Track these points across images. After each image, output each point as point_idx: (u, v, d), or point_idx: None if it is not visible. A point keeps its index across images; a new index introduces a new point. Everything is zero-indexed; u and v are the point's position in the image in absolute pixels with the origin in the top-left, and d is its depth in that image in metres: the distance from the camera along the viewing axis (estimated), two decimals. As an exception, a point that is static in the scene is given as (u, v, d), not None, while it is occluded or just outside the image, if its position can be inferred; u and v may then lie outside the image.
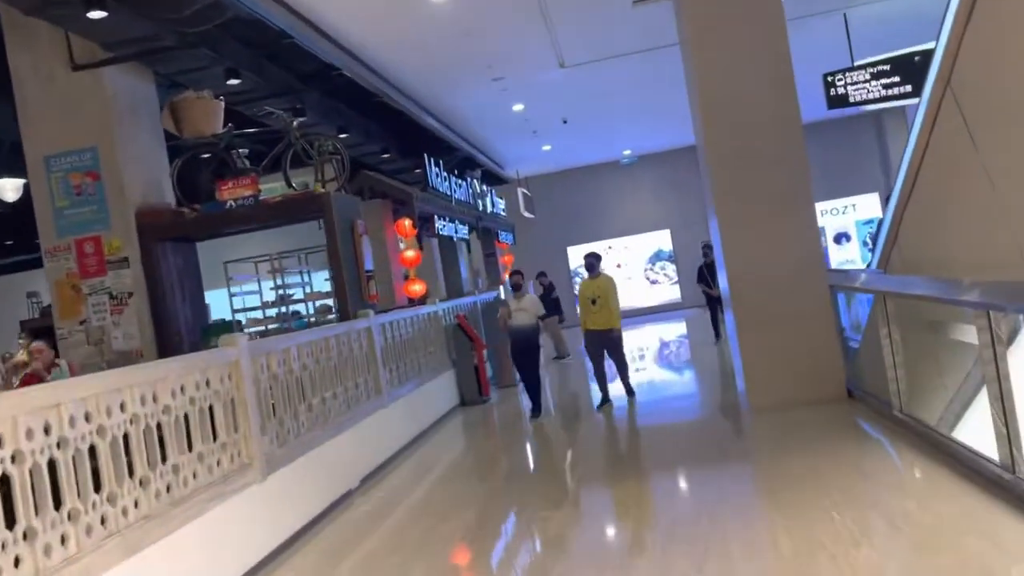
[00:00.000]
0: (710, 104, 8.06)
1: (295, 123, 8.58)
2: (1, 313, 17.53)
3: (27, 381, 6.39)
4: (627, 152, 23.25)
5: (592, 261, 9.60)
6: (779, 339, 7.81)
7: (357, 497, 6.93)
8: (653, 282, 24.66)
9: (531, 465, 7.81)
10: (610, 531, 5.32)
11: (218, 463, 5.10)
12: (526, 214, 21.77)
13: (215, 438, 5.15)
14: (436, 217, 12.57)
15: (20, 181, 9.80)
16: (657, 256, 24.58)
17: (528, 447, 8.47)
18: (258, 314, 8.82)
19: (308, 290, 8.94)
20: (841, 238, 23.71)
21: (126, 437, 4.29)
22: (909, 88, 11.07)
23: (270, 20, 7.94)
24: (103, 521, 3.98)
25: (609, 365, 9.59)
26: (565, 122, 16.37)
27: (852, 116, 21.47)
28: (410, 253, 11.64)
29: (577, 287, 23.76)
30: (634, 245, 24.40)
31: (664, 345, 16.96)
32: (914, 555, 4.13)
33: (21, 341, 7.92)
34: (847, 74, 11.49)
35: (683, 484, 6.12)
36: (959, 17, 5.49)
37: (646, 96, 14.97)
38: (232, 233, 8.90)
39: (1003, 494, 4.40)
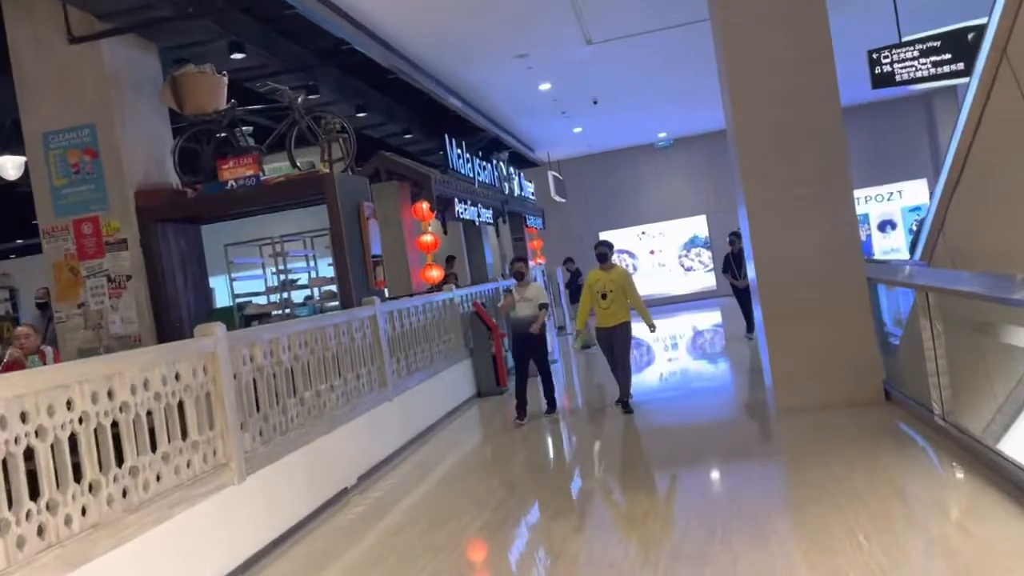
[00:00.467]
0: (739, 80, 7.48)
1: (300, 100, 8.16)
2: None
3: (8, 368, 6.09)
4: (662, 135, 22.56)
5: (604, 250, 8.61)
6: (810, 335, 7.24)
7: (354, 496, 6.54)
8: (688, 269, 23.97)
9: (539, 464, 7.33)
10: (613, 552, 4.84)
11: (188, 464, 4.71)
12: (557, 198, 21.23)
13: (185, 436, 4.77)
14: (456, 200, 12.10)
15: (21, 159, 9.55)
16: (692, 243, 23.86)
17: (538, 444, 7.99)
18: (262, 300, 8.45)
19: (314, 275, 8.55)
20: (886, 226, 22.78)
21: (74, 438, 3.93)
22: (961, 66, 10.30)
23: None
24: (40, 532, 3.61)
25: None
26: (595, 103, 15.79)
27: (900, 97, 20.57)
28: (427, 238, 11.20)
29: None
30: (669, 231, 23.72)
31: (694, 336, 16.36)
32: (952, 593, 3.60)
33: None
34: (894, 51, 10.73)
35: (697, 495, 5.61)
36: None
37: (681, 76, 14.32)
38: (235, 215, 8.53)
39: (1059, 524, 3.84)
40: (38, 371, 3.96)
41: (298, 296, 8.65)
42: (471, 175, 13.33)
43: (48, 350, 6.38)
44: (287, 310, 8.33)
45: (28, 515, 3.55)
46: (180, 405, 4.77)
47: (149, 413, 4.47)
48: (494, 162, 15.24)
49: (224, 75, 8.35)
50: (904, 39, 10.83)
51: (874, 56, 10.79)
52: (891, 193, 22.38)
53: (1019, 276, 4.34)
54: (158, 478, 4.44)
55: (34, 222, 8.27)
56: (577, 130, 18.81)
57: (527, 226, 19.31)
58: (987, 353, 5.66)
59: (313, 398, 6.41)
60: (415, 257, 11.24)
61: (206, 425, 4.97)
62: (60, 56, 7.98)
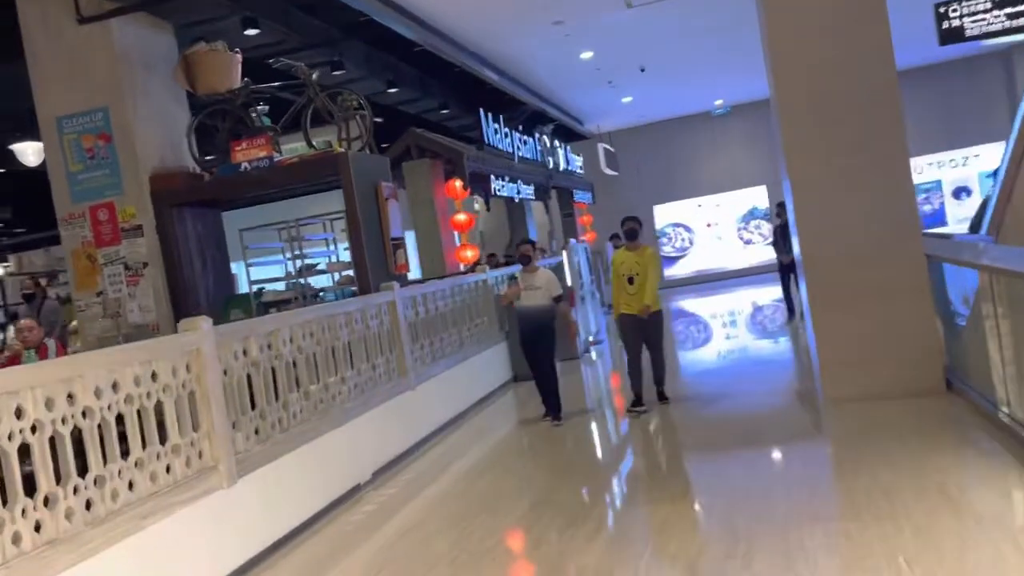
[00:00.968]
0: (782, 42, 6.82)
1: (315, 76, 7.78)
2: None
3: (10, 362, 5.93)
4: (719, 102, 21.61)
5: (633, 226, 7.60)
6: (862, 318, 6.61)
7: (367, 492, 6.22)
8: (747, 242, 23.04)
9: (565, 462, 6.86)
10: (623, 570, 4.37)
11: (167, 469, 4.42)
12: (607, 171, 20.58)
13: (164, 440, 4.47)
14: (493, 177, 11.64)
15: (41, 145, 9.42)
16: (751, 214, 22.90)
17: (567, 437, 7.55)
18: (281, 286, 8.17)
19: (333, 259, 8.22)
20: (961, 192, 21.49)
21: (26, 448, 3.65)
22: (1039, 17, 9.35)
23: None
24: (-18, 552, 3.34)
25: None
26: (643, 70, 15.08)
27: (975, 55, 19.25)
28: (461, 217, 10.79)
29: (665, 248, 22.85)
30: (726, 203, 22.80)
31: (747, 314, 15.63)
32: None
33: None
34: (963, 3, 9.81)
35: (723, 501, 5.09)
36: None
37: (732, 40, 13.47)
38: (251, 199, 8.25)
39: None
40: (-15, 376, 3.67)
41: (317, 281, 8.33)
42: (510, 150, 12.84)
43: (51, 343, 6.20)
44: (317, 295, 8.02)
45: (-34, 535, 3.28)
46: (159, 407, 4.48)
47: (121, 417, 4.19)
48: (536, 136, 14.70)
49: (237, 53, 8.03)
50: (974, -11, 9.89)
51: (941, 10, 9.87)
52: (966, 158, 21.07)
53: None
54: (131, 486, 4.16)
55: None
56: (626, 100, 18.09)
57: (575, 201, 18.75)
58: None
59: (320, 391, 6.09)
60: (448, 237, 10.84)
61: (189, 427, 4.67)
62: (70, 37, 7.75)
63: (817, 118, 6.70)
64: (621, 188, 22.16)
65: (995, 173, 7.28)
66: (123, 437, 4.21)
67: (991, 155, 20.69)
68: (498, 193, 11.94)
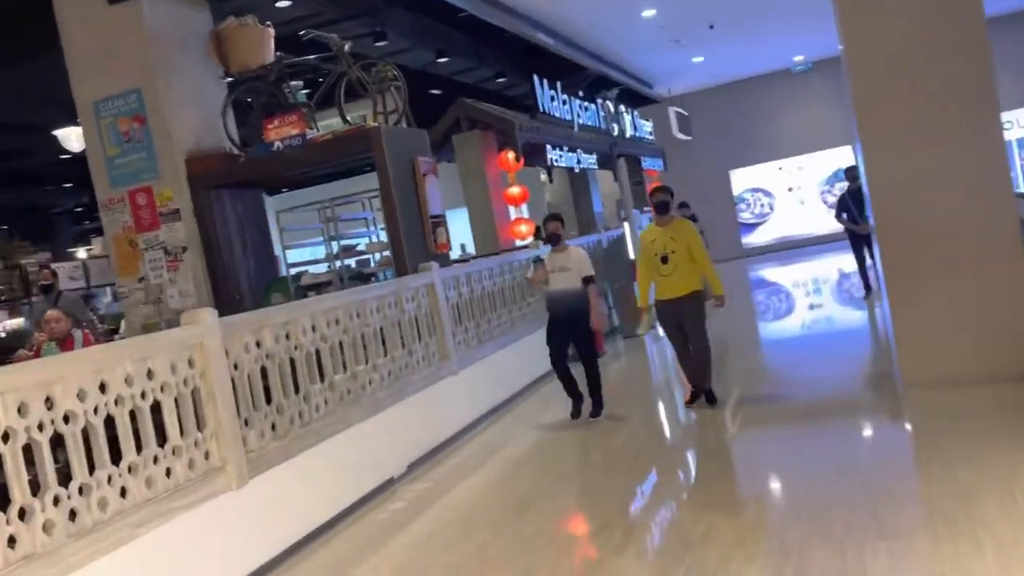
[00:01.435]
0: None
1: (347, 47, 7.40)
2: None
3: (36, 355, 5.81)
4: (799, 58, 20.38)
5: (664, 197, 6.63)
6: (945, 292, 5.89)
7: (400, 487, 5.90)
8: (831, 206, 21.79)
9: (610, 458, 6.35)
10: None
11: (167, 473, 4.16)
12: (680, 135, 19.74)
13: (164, 442, 4.21)
14: (550, 146, 11.10)
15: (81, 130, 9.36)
16: (836, 176, 21.58)
17: (622, 427, 7.05)
18: (322, 268, 7.89)
19: (374, 239, 7.88)
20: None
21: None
22: None
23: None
24: (-55, 572, 3.12)
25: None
26: (712, 27, 14.20)
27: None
28: (515, 190, 10.33)
29: (743, 214, 21.70)
30: (808, 165, 21.60)
31: (826, 284, 14.72)
32: None
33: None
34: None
35: (777, 505, 4.54)
36: None
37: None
38: (287, 179, 7.98)
39: None
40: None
41: (360, 263, 8.00)
42: (569, 118, 12.25)
43: (78, 334, 6.08)
44: (367, 277, 7.70)
45: (-77, 556, 3.06)
46: (157, 406, 4.21)
47: (111, 420, 3.93)
48: (599, 102, 14.05)
49: (269, 26, 7.72)
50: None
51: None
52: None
53: None
54: (123, 493, 3.90)
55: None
56: (697, 60, 17.18)
57: (645, 169, 17.99)
58: None
59: (347, 381, 5.77)
60: (502, 212, 10.40)
61: (193, 426, 4.40)
62: (101, 19, 7.56)
63: (893, 68, 5.95)
64: (695, 153, 21.24)
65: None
66: (115, 441, 3.96)
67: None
68: (556, 164, 11.40)
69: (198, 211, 7.65)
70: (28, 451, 3.54)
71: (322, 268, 7.88)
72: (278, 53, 7.69)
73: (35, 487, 3.54)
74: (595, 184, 15.19)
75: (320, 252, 7.89)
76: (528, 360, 8.72)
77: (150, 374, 4.16)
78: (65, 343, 5.89)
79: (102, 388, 3.88)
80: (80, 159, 8.73)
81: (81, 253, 18.28)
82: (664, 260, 6.51)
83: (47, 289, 6.73)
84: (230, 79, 7.75)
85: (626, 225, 11.26)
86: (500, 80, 13.09)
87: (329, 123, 7.96)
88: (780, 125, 21.49)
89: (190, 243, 7.67)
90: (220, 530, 4.39)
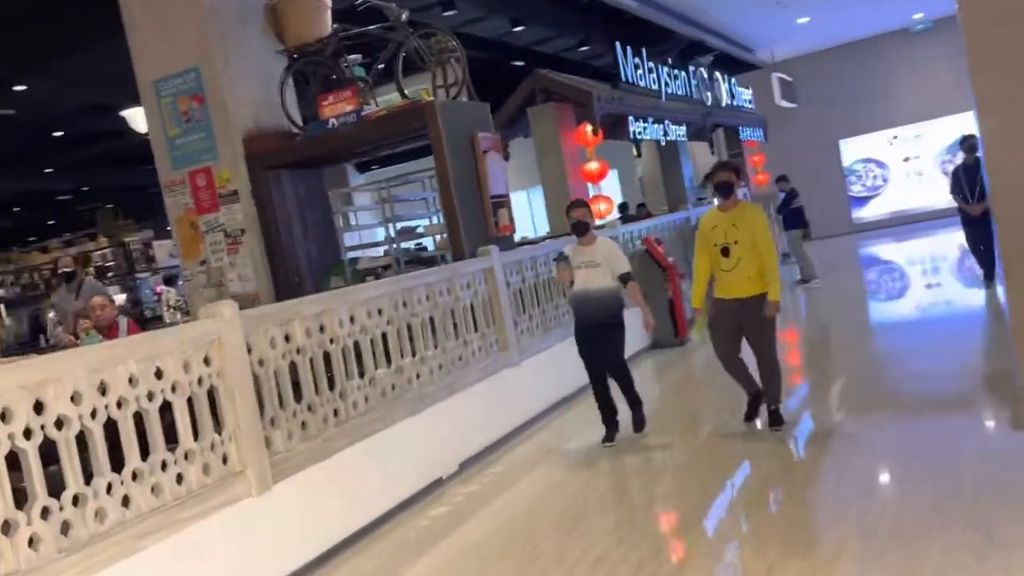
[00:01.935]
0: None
1: (405, 16, 6.97)
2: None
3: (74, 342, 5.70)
4: (918, 16, 18.74)
5: (726, 178, 5.50)
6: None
7: (449, 488, 5.53)
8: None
9: (683, 462, 5.77)
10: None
11: (178, 479, 3.88)
12: (783, 103, 18.58)
13: (174, 447, 3.93)
14: (632, 118, 10.42)
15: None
16: (957, 146, 19.93)
17: (706, 429, 6.46)
18: (380, 251, 7.55)
19: (435, 221, 7.48)
20: None
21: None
22: None
23: None
24: (-88, 594, 2.90)
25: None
26: (817, -15, 13.13)
27: None
28: (593, 165, 9.73)
29: (854, 187, 20.09)
30: (928, 133, 19.97)
31: (942, 265, 13.47)
32: None
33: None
34: None
35: (854, 546, 3.89)
36: None
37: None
38: (345, 158, 7.66)
39: None
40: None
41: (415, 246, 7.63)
42: (656, 87, 11.51)
43: (123, 321, 5.93)
44: (427, 261, 7.33)
45: None
46: (167, 408, 3.94)
47: (113, 423, 3.67)
48: (692, 69, 13.20)
49: (326, -3, 7.37)
50: None
51: None
52: None
53: None
54: (125, 502, 3.64)
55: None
56: (802, 20, 16.01)
57: (743, 139, 16.99)
58: None
59: (391, 376, 5.41)
60: (580, 189, 9.83)
61: (210, 428, 4.11)
62: (160, -4, 7.41)
63: (1017, 22, 5.06)
64: (800, 122, 19.98)
65: None
66: (120, 446, 3.70)
67: None
68: (639, 136, 10.72)
69: (256, 192, 7.43)
70: (16, 459, 3.30)
71: (380, 251, 7.54)
72: (335, 25, 7.34)
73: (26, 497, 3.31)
74: (686, 157, 14.36)
75: (380, 235, 7.54)
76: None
77: (159, 374, 3.88)
78: (110, 330, 5.75)
79: (102, 390, 3.62)
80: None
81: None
82: (725, 252, 5.45)
83: (69, 277, 6.56)
84: (287, 54, 7.44)
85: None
86: (583, 49, 12.42)
87: (389, 98, 7.58)
88: (896, 90, 19.91)
89: (248, 225, 7.47)
90: (236, 540, 4.10)
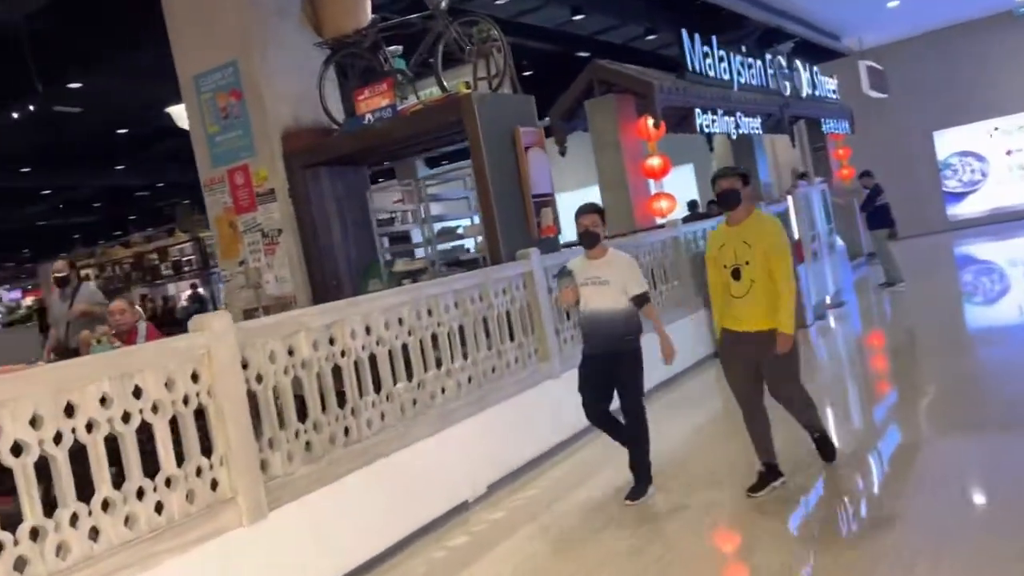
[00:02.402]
0: None
1: (444, 4, 6.55)
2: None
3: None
4: (1023, -3, 17.35)
5: (731, 186, 4.50)
6: None
7: (473, 513, 5.10)
8: (1064, 173, 18.62)
9: (730, 493, 5.19)
10: None
11: (157, 509, 3.56)
12: (872, 93, 17.42)
13: (155, 472, 3.61)
14: (699, 110, 9.76)
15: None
16: (1067, 138, 18.41)
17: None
18: (421, 252, 7.19)
19: (476, 220, 7.06)
20: None
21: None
22: None
23: None
24: None
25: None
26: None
27: None
28: (654, 161, 9.14)
29: (949, 182, 18.68)
30: (1035, 123, 18.48)
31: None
32: None
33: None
34: None
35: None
36: None
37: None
38: (383, 155, 7.32)
39: None
40: None
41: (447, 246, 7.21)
42: (728, 77, 10.80)
43: (142, 326, 5.71)
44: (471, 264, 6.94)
45: None
46: (147, 430, 3.62)
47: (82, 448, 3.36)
48: (768, 58, 12.40)
49: (365, -15, 7.03)
50: None
51: None
52: None
53: None
54: (94, 535, 3.33)
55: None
56: (892, 4, 14.94)
57: (828, 132, 15.99)
58: None
59: (411, 391, 5.01)
60: (640, 186, 9.25)
61: (196, 451, 3.78)
62: (199, -12, 7.20)
63: None
64: (890, 113, 18.74)
65: None
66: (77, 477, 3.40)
67: None
68: (706, 129, 10.04)
69: (293, 191, 7.18)
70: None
71: (420, 253, 7.17)
72: (374, 15, 6.99)
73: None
74: (761, 151, 13.54)
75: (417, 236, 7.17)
76: (656, 357, 7.62)
77: (137, 392, 3.57)
78: (129, 336, 5.53)
79: (69, 411, 3.32)
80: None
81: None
82: (735, 275, 4.47)
83: (63, 282, 6.32)
84: (325, 46, 7.14)
85: (789, 199, 9.75)
86: (650, 38, 11.79)
87: (431, 92, 7.19)
88: (997, 78, 18.46)
89: (285, 225, 7.22)
90: (220, 574, 3.75)
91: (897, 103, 18.62)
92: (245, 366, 4.05)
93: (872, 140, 18.08)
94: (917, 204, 17.58)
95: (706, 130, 10.00)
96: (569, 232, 5.87)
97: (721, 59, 10.64)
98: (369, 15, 7.00)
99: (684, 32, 9.75)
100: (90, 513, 3.33)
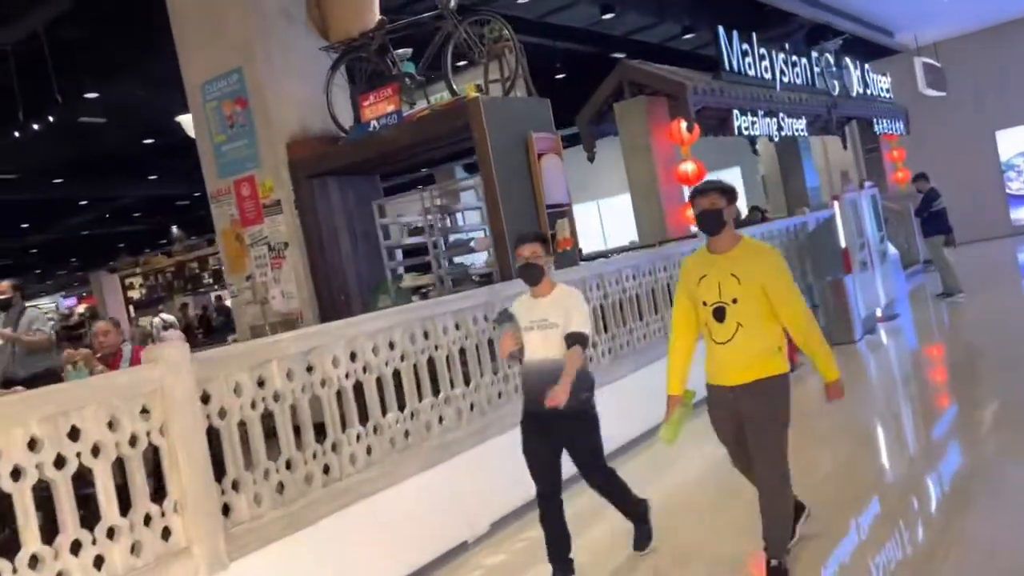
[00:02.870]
0: None
1: (453, 3, 6.14)
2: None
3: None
4: (1094, -12, 16.28)
5: (710, 205, 3.60)
6: None
7: (472, 555, 4.65)
8: None
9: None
10: None
11: (96, 563, 3.19)
12: (929, 92, 16.53)
13: (94, 522, 3.24)
14: (737, 112, 9.18)
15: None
16: None
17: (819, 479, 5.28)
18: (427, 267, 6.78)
19: (487, 233, 6.62)
20: None
21: None
22: None
23: None
24: None
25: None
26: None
27: None
28: (688, 167, 8.59)
29: (1012, 184, 17.61)
30: (1106, 122, 17.37)
31: None
32: None
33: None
34: None
35: None
36: None
37: None
38: (389, 164, 6.94)
39: None
40: None
41: (466, 259, 6.79)
42: (769, 76, 10.19)
43: (127, 349, 5.39)
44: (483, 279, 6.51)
45: None
46: (85, 475, 3.26)
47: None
48: (814, 55, 11.73)
49: (372, -14, 6.67)
50: None
51: None
52: None
53: None
54: (14, 597, 2.98)
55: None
56: (949, -2, 14.11)
57: (881, 133, 15.20)
58: None
59: (405, 421, 4.59)
60: (673, 193, 8.71)
61: (144, 497, 3.41)
62: (204, -7, 6.92)
63: None
64: (949, 112, 17.77)
65: None
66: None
67: None
68: (745, 132, 9.45)
69: (299, 202, 6.85)
70: None
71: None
72: (381, 17, 6.61)
73: None
74: (808, 153, 12.85)
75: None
76: (616, 410, 7.07)
77: (74, 434, 3.21)
78: (113, 360, 5.21)
79: (-9, 456, 2.97)
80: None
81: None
82: (718, 314, 3.55)
83: (5, 305, 6.01)
84: (332, 50, 6.79)
85: (836, 205, 9.09)
86: (687, 37, 11.22)
87: (443, 96, 6.78)
88: (1065, 72, 17.39)
89: (291, 238, 6.89)
90: (169, 638, 3.37)
91: (956, 101, 17.66)
92: (207, 400, 3.68)
93: (929, 141, 17.19)
94: (978, 208, 16.63)
95: (745, 132, 9.41)
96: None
97: (762, 57, 10.04)
98: (376, 16, 6.63)
99: (721, 29, 9.18)
100: (15, 571, 2.98)
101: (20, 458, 3.04)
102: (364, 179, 7.22)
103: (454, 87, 6.25)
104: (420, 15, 6.41)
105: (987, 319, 9.82)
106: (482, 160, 5.72)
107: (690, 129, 8.36)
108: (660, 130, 8.70)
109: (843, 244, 9.09)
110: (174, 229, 20.21)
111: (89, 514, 3.29)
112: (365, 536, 4.21)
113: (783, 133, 10.37)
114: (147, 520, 3.39)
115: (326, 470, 4.14)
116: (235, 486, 3.74)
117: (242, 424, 3.82)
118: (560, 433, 3.97)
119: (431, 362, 4.84)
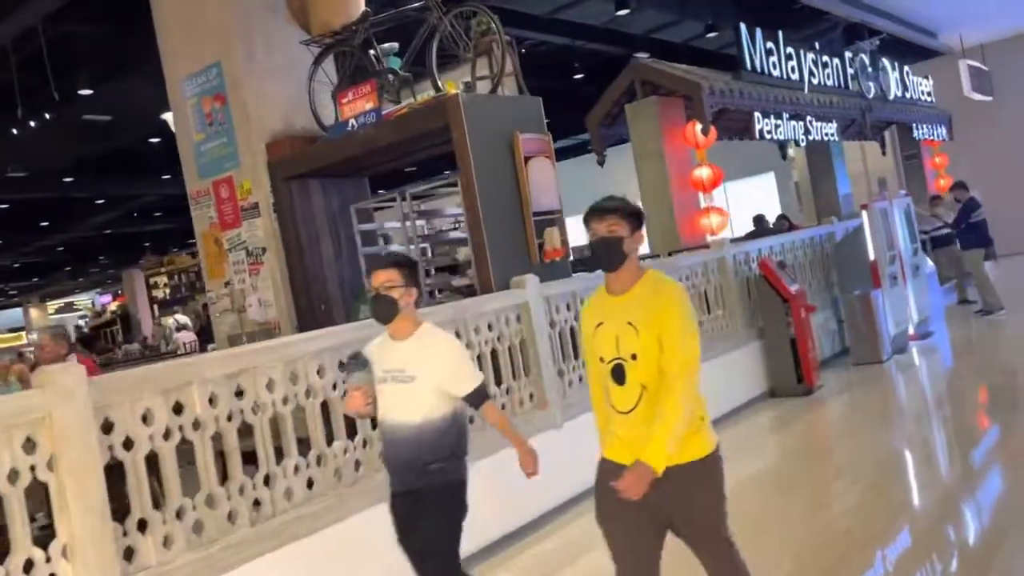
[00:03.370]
0: None
1: (438, -5, 5.68)
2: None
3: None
4: None
5: (605, 233, 2.65)
6: None
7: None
8: None
9: None
10: None
11: (-41, 615, 2.79)
12: (974, 96, 15.70)
13: (-40, 568, 2.85)
14: (759, 114, 8.59)
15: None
16: None
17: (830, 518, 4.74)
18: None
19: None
20: None
21: None
22: None
23: None
24: None
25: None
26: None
27: None
28: (703, 172, 8.03)
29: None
30: None
31: None
32: None
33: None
34: None
35: None
36: None
37: None
38: (367, 166, 6.51)
39: None
40: None
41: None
42: (795, 76, 9.58)
43: (72, 359, 5.01)
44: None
45: None
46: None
47: None
48: (848, 56, 11.07)
49: (356, -25, 6.24)
50: None
51: None
52: None
53: None
54: None
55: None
56: (996, -4, 13.30)
57: (921, 139, 14.42)
58: None
59: (355, 450, 4.14)
60: (688, 200, 8.16)
61: (25, 541, 2.99)
62: (184, -17, 6.56)
63: None
64: (997, 118, 16.87)
65: None
66: None
67: None
68: (767, 135, 8.84)
69: (277, 205, 6.44)
70: None
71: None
72: (365, 9, 6.19)
73: None
74: (840, 159, 12.16)
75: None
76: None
77: (-62, 468, 2.81)
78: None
79: None
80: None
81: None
82: (617, 374, 2.67)
83: None
84: (313, 44, 6.38)
85: (864, 215, 8.46)
86: (711, 36, 10.63)
87: (429, 93, 6.32)
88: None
89: (269, 243, 6.48)
90: None
91: (1004, 106, 16.77)
92: (109, 430, 3.26)
93: (974, 147, 16.32)
94: (1024, 220, 15.76)
95: (767, 136, 8.80)
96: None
97: (788, 57, 9.43)
98: (360, 8, 6.21)
99: (743, 26, 8.60)
100: None
101: None
102: (350, 182, 6.80)
103: (439, 84, 5.79)
104: (405, 6, 5.95)
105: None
106: (461, 161, 5.25)
107: (705, 132, 7.80)
108: (674, 133, 8.15)
109: (872, 256, 8.46)
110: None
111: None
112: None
113: (811, 137, 9.73)
114: (28, 567, 2.98)
115: (256, 505, 3.70)
116: (141, 527, 3.31)
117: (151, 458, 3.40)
118: (411, 513, 3.18)
119: (389, 384, 4.38)
